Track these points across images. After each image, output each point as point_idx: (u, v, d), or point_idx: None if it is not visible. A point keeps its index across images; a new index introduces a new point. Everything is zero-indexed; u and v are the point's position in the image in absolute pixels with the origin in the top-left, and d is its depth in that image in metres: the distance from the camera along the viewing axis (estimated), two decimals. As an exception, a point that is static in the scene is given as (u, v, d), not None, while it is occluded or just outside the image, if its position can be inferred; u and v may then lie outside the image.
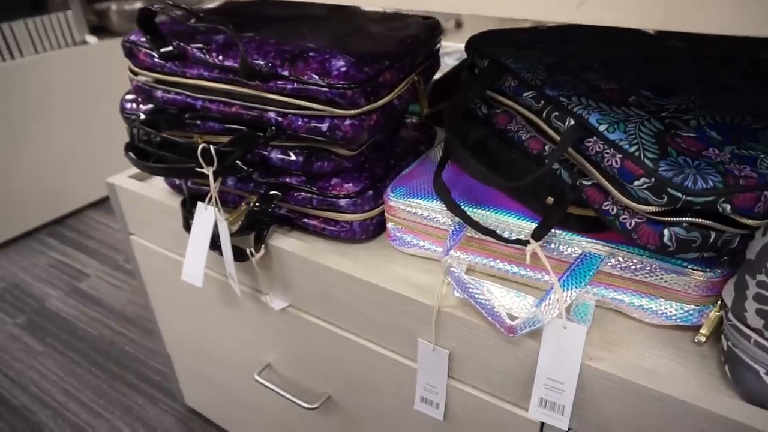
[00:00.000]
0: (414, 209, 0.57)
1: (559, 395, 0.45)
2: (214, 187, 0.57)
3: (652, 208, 0.40)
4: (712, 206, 0.38)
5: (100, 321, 1.27)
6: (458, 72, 0.76)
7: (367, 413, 0.66)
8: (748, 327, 0.41)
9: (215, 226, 0.61)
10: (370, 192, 0.61)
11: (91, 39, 1.66)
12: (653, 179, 0.39)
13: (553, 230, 0.50)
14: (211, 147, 0.54)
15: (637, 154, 0.40)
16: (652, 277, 0.46)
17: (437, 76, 0.79)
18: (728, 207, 0.38)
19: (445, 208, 0.54)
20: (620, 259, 0.47)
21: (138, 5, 1.78)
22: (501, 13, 0.35)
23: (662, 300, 0.47)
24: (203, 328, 0.81)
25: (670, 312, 0.47)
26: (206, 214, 0.61)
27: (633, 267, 0.47)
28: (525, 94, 0.50)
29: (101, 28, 1.74)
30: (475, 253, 0.55)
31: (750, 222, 0.39)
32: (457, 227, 0.53)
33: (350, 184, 0.60)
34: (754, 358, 0.40)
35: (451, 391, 0.55)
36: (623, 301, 0.49)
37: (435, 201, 0.56)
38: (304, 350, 0.67)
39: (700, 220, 0.39)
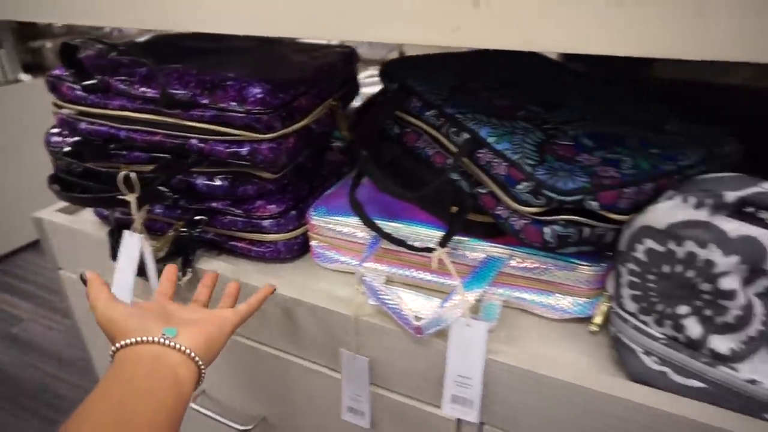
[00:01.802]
0: (334, 226, 0.60)
1: (468, 390, 0.48)
2: (136, 213, 0.58)
3: (534, 209, 0.44)
4: (581, 204, 0.42)
5: (33, 365, 1.22)
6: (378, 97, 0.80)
7: (302, 430, 0.67)
8: (627, 312, 0.45)
9: (143, 253, 0.61)
10: (293, 212, 0.63)
11: (25, 77, 1.65)
12: (532, 182, 0.43)
13: (459, 237, 0.54)
14: (132, 174, 0.55)
15: (519, 161, 0.45)
16: (546, 274, 0.51)
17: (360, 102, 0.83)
18: (595, 204, 0.43)
19: (362, 224, 0.58)
20: (518, 260, 0.52)
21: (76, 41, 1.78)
22: (377, 38, 0.39)
23: (558, 295, 0.52)
24: (137, 360, 0.81)
25: (566, 306, 0.52)
26: (132, 241, 0.62)
27: (530, 267, 0.51)
28: (427, 113, 0.54)
29: (35, 66, 1.73)
30: (392, 264, 0.58)
31: (616, 217, 0.44)
32: (373, 240, 0.57)
33: (273, 206, 0.62)
34: (633, 340, 0.45)
35: (375, 398, 0.57)
36: (525, 299, 0.53)
37: (354, 217, 0.59)
38: (236, 372, 0.68)
39: (573, 217, 0.44)
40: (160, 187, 0.61)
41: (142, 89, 0.60)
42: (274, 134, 0.57)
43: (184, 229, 0.64)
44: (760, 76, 0.71)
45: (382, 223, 0.56)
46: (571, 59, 0.83)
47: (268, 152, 0.57)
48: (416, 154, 0.58)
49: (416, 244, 0.55)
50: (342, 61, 0.69)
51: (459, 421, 0.53)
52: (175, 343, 0.41)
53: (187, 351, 0.42)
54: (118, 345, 0.41)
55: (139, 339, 0.40)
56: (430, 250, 0.51)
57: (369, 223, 0.54)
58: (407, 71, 0.60)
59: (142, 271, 0.63)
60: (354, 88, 0.73)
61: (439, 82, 0.57)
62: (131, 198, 0.57)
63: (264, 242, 0.64)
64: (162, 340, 0.41)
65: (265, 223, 0.62)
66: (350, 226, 0.59)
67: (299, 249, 0.65)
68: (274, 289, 0.54)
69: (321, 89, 0.63)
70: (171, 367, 0.40)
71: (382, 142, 0.62)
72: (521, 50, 0.38)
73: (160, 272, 0.61)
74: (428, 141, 0.57)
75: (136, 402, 0.37)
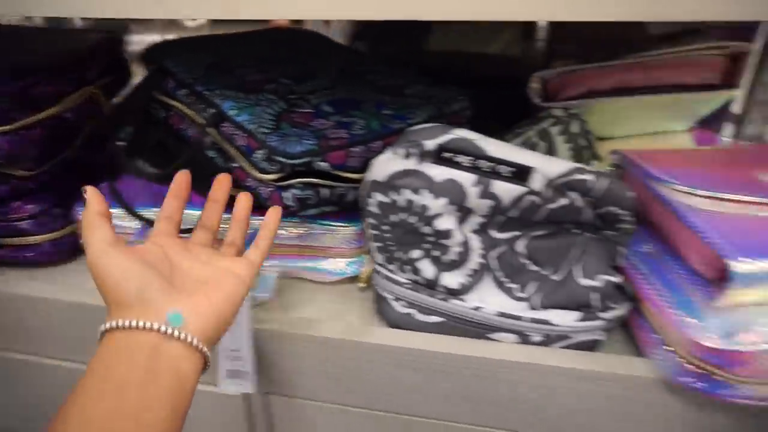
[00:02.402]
0: (103, 219, 0.57)
1: (241, 362, 0.49)
2: None
3: (272, 176, 0.45)
4: (310, 165, 0.44)
5: None
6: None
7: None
8: (378, 264, 0.48)
9: None
10: (58, 210, 0.59)
11: None
12: (266, 150, 0.44)
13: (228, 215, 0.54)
14: None
15: (255, 130, 0.45)
16: (311, 239, 0.53)
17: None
18: (324, 164, 0.45)
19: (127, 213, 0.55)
20: (286, 230, 0.53)
21: None
22: (114, 14, 0.37)
23: (329, 259, 0.54)
24: None
25: (336, 268, 0.54)
26: None
27: (296, 235, 0.53)
28: (179, 92, 0.53)
29: None
30: (169, 251, 0.56)
31: (351, 175, 0.46)
32: (140, 229, 0.54)
33: (32, 205, 0.57)
34: (386, 289, 0.48)
35: (162, 390, 0.55)
36: (299, 266, 0.54)
37: (120, 208, 0.56)
38: (18, 396, 0.62)
39: (309, 179, 0.45)
40: None
41: None
42: (13, 126, 0.52)
43: (-75, 243, 0.57)
44: (512, 45, 0.80)
45: (149, 211, 0.54)
46: (357, 38, 0.87)
47: (9, 146, 0.52)
48: (180, 135, 0.57)
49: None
50: (102, 47, 0.65)
51: (247, 395, 0.53)
52: (179, 333, 0.33)
53: (194, 343, 0.34)
54: (109, 325, 0.32)
55: (135, 324, 0.32)
56: (190, 230, 0.50)
57: (129, 211, 0.52)
58: (166, 53, 0.58)
59: None
60: (123, 76, 0.69)
61: (196, 63, 0.56)
62: None
63: (28, 245, 0.58)
64: (164, 328, 0.33)
65: (24, 224, 0.57)
66: (117, 217, 0.56)
67: (72, 248, 0.61)
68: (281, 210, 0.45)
69: (72, 76, 0.59)
70: (172, 362, 0.33)
71: (148, 125, 0.60)
72: (291, 30, 0.38)
73: None
74: (189, 122, 0.56)
75: (124, 424, 0.30)
